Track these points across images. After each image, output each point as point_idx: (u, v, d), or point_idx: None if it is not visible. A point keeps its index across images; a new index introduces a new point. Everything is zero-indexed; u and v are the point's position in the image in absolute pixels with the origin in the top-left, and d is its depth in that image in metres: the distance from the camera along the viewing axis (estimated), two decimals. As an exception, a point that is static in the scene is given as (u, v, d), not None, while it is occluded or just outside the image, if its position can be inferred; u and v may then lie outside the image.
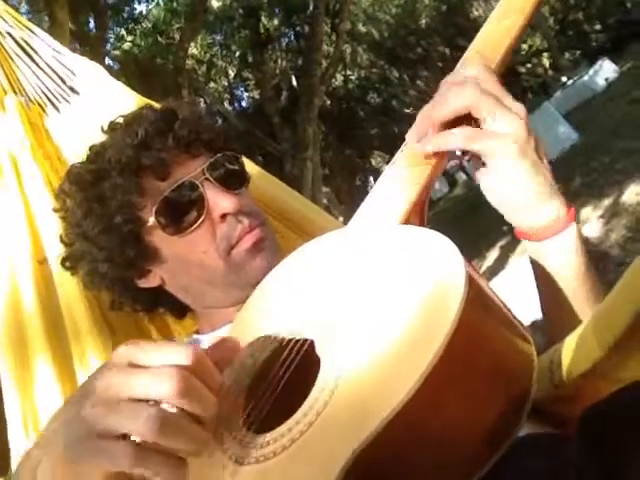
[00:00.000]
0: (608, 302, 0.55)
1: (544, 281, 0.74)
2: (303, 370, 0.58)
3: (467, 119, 0.67)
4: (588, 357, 0.55)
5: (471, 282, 0.49)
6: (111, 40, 11.71)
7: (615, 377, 0.54)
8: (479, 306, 0.51)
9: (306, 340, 0.59)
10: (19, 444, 1.02)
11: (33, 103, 1.31)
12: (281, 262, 0.73)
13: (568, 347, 0.58)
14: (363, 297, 0.56)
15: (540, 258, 0.73)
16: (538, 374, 0.55)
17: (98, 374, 0.52)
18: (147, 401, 0.49)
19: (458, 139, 0.66)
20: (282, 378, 0.59)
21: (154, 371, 0.49)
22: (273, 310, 0.67)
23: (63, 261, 0.97)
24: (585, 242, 0.72)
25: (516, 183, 0.68)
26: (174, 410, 0.49)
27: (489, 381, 0.51)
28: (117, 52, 12.04)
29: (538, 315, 0.79)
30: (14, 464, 1.00)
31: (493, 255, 6.98)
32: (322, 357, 0.55)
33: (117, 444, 0.48)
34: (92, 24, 8.85)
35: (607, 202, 5.52)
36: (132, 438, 0.49)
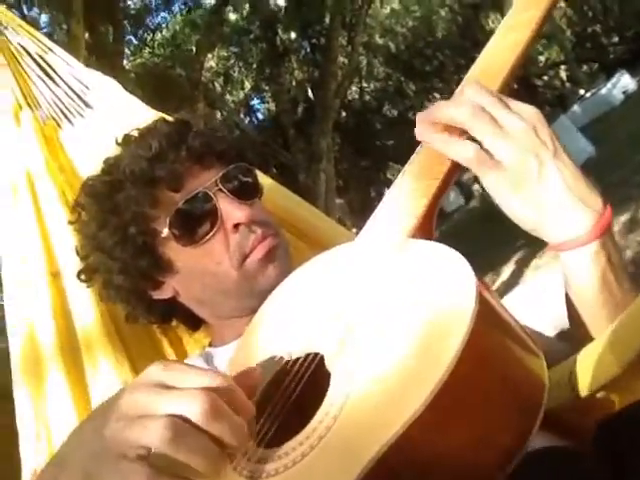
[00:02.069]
0: (626, 319, 0.54)
1: (568, 290, 0.72)
2: (312, 385, 0.57)
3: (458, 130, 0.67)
4: (606, 374, 0.54)
5: (482, 299, 0.49)
6: (129, 52, 11.88)
7: (630, 388, 0.54)
8: (489, 323, 0.51)
9: (316, 355, 0.59)
10: (31, 458, 1.02)
11: (48, 118, 1.33)
12: (289, 275, 0.73)
13: (585, 360, 0.58)
14: (372, 313, 0.56)
15: (564, 266, 0.70)
16: (557, 385, 0.54)
17: (122, 393, 0.52)
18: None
19: (466, 155, 0.65)
20: (292, 393, 0.59)
21: (183, 392, 0.49)
22: (282, 324, 0.67)
23: (79, 274, 0.97)
24: (608, 257, 0.67)
25: (512, 211, 0.67)
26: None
27: (500, 398, 0.50)
28: (134, 64, 12.19)
29: (552, 330, 0.79)
30: (24, 477, 1.01)
31: (508, 269, 6.92)
32: (332, 372, 0.55)
33: (134, 464, 0.48)
34: (110, 36, 8.97)
35: (624, 218, 5.45)
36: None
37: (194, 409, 0.48)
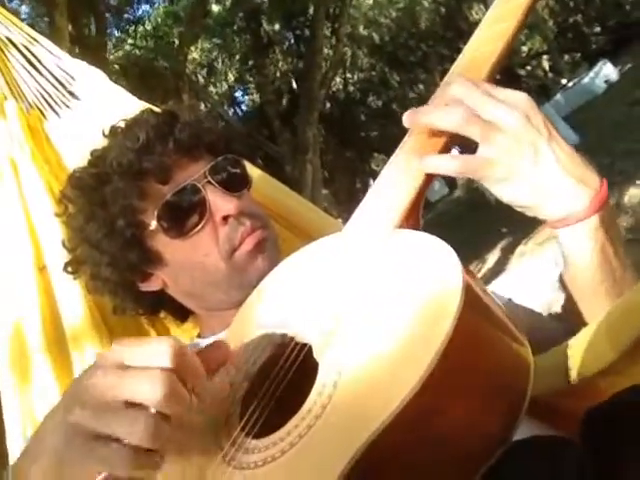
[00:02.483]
0: (621, 307, 0.55)
1: (564, 271, 0.73)
2: (300, 374, 0.58)
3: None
4: (601, 360, 0.55)
5: (468, 287, 0.49)
6: (112, 43, 11.73)
7: (626, 372, 0.55)
8: (476, 311, 0.51)
9: (304, 345, 0.59)
10: (18, 450, 1.02)
11: (33, 108, 1.32)
12: (278, 265, 0.74)
13: (581, 345, 0.59)
14: (360, 302, 0.56)
15: (561, 243, 0.72)
16: (551, 370, 0.55)
17: (84, 376, 0.53)
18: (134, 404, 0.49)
19: (454, 166, 0.67)
20: (280, 383, 0.59)
21: (139, 373, 0.50)
22: (270, 314, 0.67)
23: (65, 266, 0.97)
24: (606, 234, 0.69)
25: (508, 198, 0.68)
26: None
27: (486, 384, 0.51)
28: (117, 55, 12.05)
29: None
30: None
31: (493, 257, 6.97)
32: (320, 361, 0.55)
33: (112, 448, 0.49)
34: (93, 27, 8.84)
35: (607, 203, 5.50)
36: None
37: (153, 395, 0.49)
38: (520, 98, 0.67)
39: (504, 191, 0.68)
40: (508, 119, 0.65)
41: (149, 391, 0.49)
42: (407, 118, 0.69)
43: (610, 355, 0.54)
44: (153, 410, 0.49)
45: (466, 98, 0.66)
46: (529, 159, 0.66)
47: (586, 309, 0.72)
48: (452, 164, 0.66)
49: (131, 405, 0.49)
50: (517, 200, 0.69)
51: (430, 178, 0.68)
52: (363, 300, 0.56)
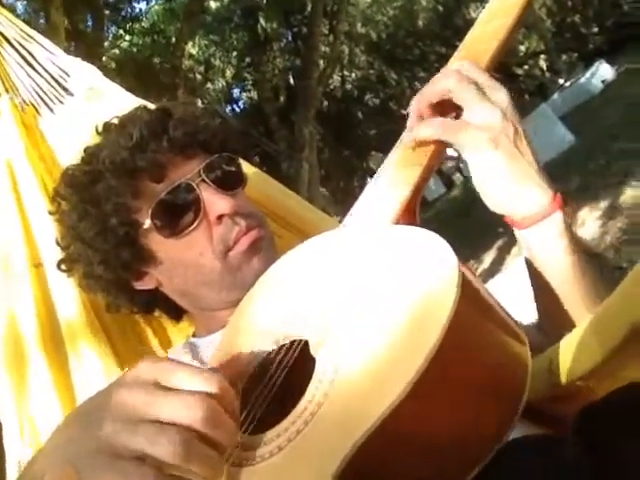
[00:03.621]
0: (609, 307, 0.55)
1: (533, 272, 0.74)
2: (297, 370, 0.58)
3: (451, 109, 0.70)
4: (588, 360, 0.55)
5: (465, 282, 0.49)
6: (109, 39, 11.69)
7: (614, 375, 0.54)
8: (473, 307, 0.51)
9: (300, 341, 0.59)
10: (15, 451, 1.01)
11: (27, 105, 1.31)
12: (275, 263, 0.73)
13: (567, 348, 0.58)
14: (357, 298, 0.56)
15: (528, 246, 0.73)
16: (537, 373, 0.55)
17: (115, 390, 0.51)
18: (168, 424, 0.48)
19: (433, 130, 0.68)
20: (277, 380, 0.59)
21: (181, 396, 0.49)
22: (267, 311, 0.67)
23: (59, 264, 0.96)
24: (571, 230, 0.72)
25: (491, 173, 0.69)
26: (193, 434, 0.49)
27: (483, 381, 0.51)
28: (114, 51, 12.02)
29: (535, 316, 0.79)
30: (9, 469, 1.00)
31: (490, 257, 6.99)
32: (317, 357, 0.55)
33: (136, 466, 0.47)
34: (89, 23, 8.82)
35: (603, 204, 5.52)
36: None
37: (192, 415, 0.48)
38: (502, 94, 0.69)
39: (489, 161, 0.68)
40: (500, 95, 0.68)
41: (191, 413, 0.48)
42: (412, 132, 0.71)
43: (597, 356, 0.54)
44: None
45: (463, 68, 0.69)
46: (511, 135, 0.68)
47: (566, 302, 0.72)
48: (434, 127, 0.68)
49: (166, 424, 0.48)
50: (498, 173, 0.69)
51: (427, 173, 0.68)
52: (359, 296, 0.56)
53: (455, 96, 0.68)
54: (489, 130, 0.67)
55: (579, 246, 0.72)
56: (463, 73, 0.68)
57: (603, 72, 13.33)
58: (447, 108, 0.70)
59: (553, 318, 0.73)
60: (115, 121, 0.95)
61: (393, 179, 0.68)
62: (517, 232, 0.73)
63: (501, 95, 0.68)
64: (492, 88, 0.68)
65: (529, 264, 0.75)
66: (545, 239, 0.71)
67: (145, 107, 0.97)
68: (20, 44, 1.33)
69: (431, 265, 0.52)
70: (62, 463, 0.51)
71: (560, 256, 0.71)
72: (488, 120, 0.67)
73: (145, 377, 0.51)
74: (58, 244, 0.95)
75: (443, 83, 0.69)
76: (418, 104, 0.71)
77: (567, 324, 0.68)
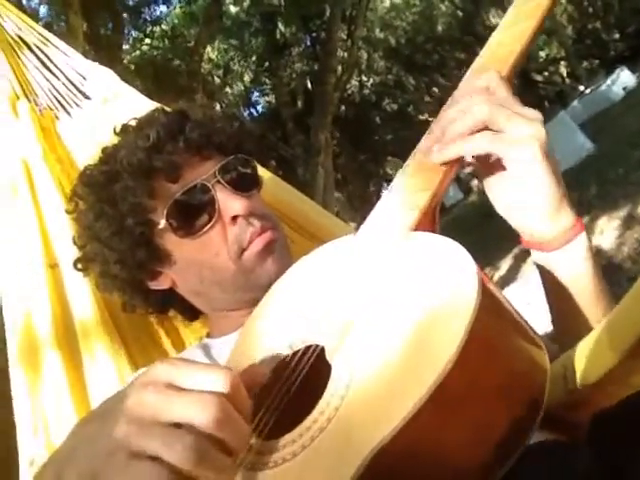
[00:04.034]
0: (622, 311, 0.54)
1: (554, 290, 0.73)
2: (313, 376, 0.57)
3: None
4: (603, 365, 0.54)
5: (484, 290, 0.49)
6: (129, 43, 11.84)
7: (627, 382, 0.54)
8: (492, 314, 0.51)
9: (317, 347, 0.59)
10: (28, 449, 1.02)
11: (45, 108, 1.33)
12: (290, 268, 0.73)
13: (581, 354, 0.58)
14: (375, 305, 0.56)
15: (551, 267, 0.72)
16: (552, 380, 0.54)
17: (130, 391, 0.51)
18: (180, 425, 0.48)
19: (482, 142, 0.65)
20: (293, 385, 0.59)
21: (193, 396, 0.49)
22: (283, 316, 0.67)
23: (75, 263, 0.97)
24: (592, 251, 0.71)
25: (538, 187, 0.67)
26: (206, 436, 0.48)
27: (502, 389, 0.50)
28: (133, 55, 12.15)
29: (550, 325, 0.79)
30: (21, 466, 1.01)
31: (506, 264, 6.93)
32: (333, 364, 0.55)
33: (151, 466, 0.47)
34: (109, 27, 8.92)
35: (621, 214, 5.46)
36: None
37: (205, 416, 0.48)
38: (533, 111, 0.67)
39: (515, 188, 0.67)
40: (531, 113, 0.66)
41: (202, 413, 0.48)
42: (447, 147, 0.67)
43: (611, 362, 0.53)
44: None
45: (493, 91, 0.67)
46: (549, 159, 0.66)
47: (577, 330, 0.71)
48: (483, 139, 0.65)
49: (180, 426, 0.48)
50: (530, 197, 0.68)
51: (446, 179, 0.67)
52: (376, 302, 0.56)
53: (491, 125, 0.65)
54: (539, 141, 0.65)
55: (597, 264, 0.72)
56: (492, 94, 0.66)
57: (624, 79, 13.22)
58: None
59: (570, 332, 0.72)
60: (133, 123, 0.96)
61: (412, 185, 0.67)
62: (538, 255, 0.72)
63: (533, 112, 0.66)
64: (520, 106, 0.66)
65: (547, 281, 0.74)
66: (574, 260, 0.70)
67: (163, 109, 0.98)
68: (39, 48, 1.36)
69: (450, 272, 0.52)
70: (79, 464, 0.52)
71: (586, 277, 0.71)
72: (532, 133, 0.65)
73: (160, 378, 0.51)
74: (75, 243, 0.96)
75: (476, 114, 0.65)
76: (450, 135, 0.67)
77: (582, 336, 0.68)
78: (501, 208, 0.72)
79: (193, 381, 0.50)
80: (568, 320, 0.74)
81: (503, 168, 0.68)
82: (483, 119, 0.65)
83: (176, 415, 0.48)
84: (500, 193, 0.71)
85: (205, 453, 0.47)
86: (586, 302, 0.71)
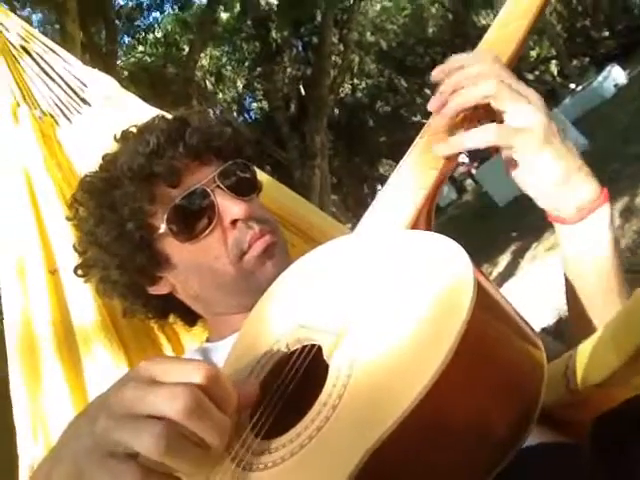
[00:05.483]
0: (624, 313, 0.55)
1: (576, 269, 0.75)
2: (310, 377, 0.57)
3: (483, 109, 0.69)
4: (606, 366, 0.55)
5: (480, 287, 0.49)
6: (122, 49, 11.82)
7: (630, 383, 0.54)
8: (488, 311, 0.51)
9: (314, 345, 0.59)
10: (28, 452, 1.02)
11: (45, 115, 1.33)
12: (288, 267, 0.74)
13: (583, 354, 0.58)
14: (371, 302, 0.56)
15: (574, 240, 0.74)
16: (553, 379, 0.54)
17: (114, 388, 0.52)
18: (159, 418, 0.48)
19: (488, 136, 0.67)
20: (290, 383, 0.59)
21: (166, 388, 0.49)
22: (279, 316, 0.67)
23: (76, 269, 0.97)
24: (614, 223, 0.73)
25: (544, 171, 0.69)
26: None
27: (498, 386, 0.50)
28: (127, 63, 12.14)
29: (549, 320, 0.79)
30: (22, 473, 1.01)
31: (503, 261, 6.94)
32: (330, 363, 0.55)
33: (124, 464, 0.48)
34: (103, 35, 8.91)
35: (618, 208, 5.49)
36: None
37: (176, 407, 0.47)
38: (535, 93, 0.69)
39: (540, 160, 0.68)
40: (534, 95, 0.68)
41: (173, 404, 0.47)
42: (453, 142, 0.69)
43: (614, 363, 0.53)
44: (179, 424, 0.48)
45: (497, 69, 0.68)
46: (552, 142, 0.68)
47: (598, 310, 0.72)
48: (488, 133, 0.67)
49: (155, 418, 0.48)
50: (551, 167, 0.69)
51: (442, 177, 0.68)
52: (373, 300, 0.56)
53: (496, 101, 0.67)
54: (539, 129, 0.67)
55: (617, 240, 0.74)
56: (500, 73, 0.67)
57: (616, 76, 13.25)
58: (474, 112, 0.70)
59: (585, 319, 0.73)
60: (133, 129, 0.97)
61: (408, 183, 0.68)
62: (563, 229, 0.74)
63: (534, 94, 0.68)
64: (524, 87, 0.68)
65: (572, 262, 0.75)
66: (597, 231, 0.72)
67: (163, 116, 0.99)
68: (39, 55, 1.36)
69: (445, 266, 0.52)
70: (67, 462, 0.52)
71: (609, 247, 0.72)
72: (534, 120, 0.67)
73: (141, 374, 0.51)
74: (75, 249, 0.97)
75: (484, 88, 0.67)
76: (456, 106, 0.69)
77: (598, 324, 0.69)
78: (528, 191, 0.74)
79: (171, 375, 0.50)
80: (585, 293, 0.75)
81: (514, 157, 0.70)
82: (489, 94, 0.67)
83: (149, 407, 0.48)
84: (520, 179, 0.73)
85: (174, 442, 0.47)
86: (608, 274, 0.73)
